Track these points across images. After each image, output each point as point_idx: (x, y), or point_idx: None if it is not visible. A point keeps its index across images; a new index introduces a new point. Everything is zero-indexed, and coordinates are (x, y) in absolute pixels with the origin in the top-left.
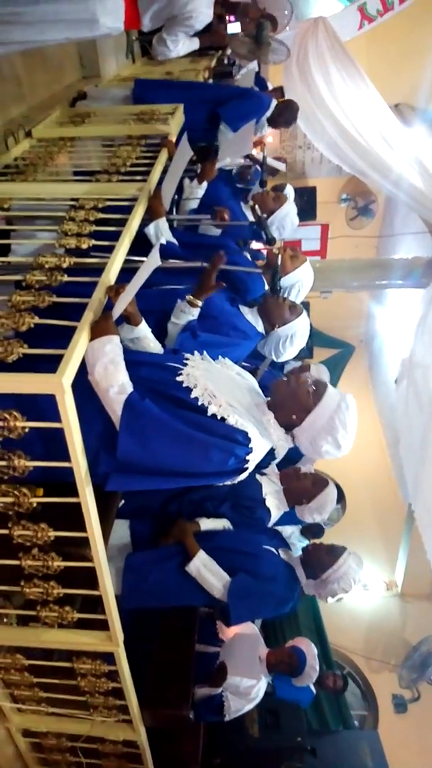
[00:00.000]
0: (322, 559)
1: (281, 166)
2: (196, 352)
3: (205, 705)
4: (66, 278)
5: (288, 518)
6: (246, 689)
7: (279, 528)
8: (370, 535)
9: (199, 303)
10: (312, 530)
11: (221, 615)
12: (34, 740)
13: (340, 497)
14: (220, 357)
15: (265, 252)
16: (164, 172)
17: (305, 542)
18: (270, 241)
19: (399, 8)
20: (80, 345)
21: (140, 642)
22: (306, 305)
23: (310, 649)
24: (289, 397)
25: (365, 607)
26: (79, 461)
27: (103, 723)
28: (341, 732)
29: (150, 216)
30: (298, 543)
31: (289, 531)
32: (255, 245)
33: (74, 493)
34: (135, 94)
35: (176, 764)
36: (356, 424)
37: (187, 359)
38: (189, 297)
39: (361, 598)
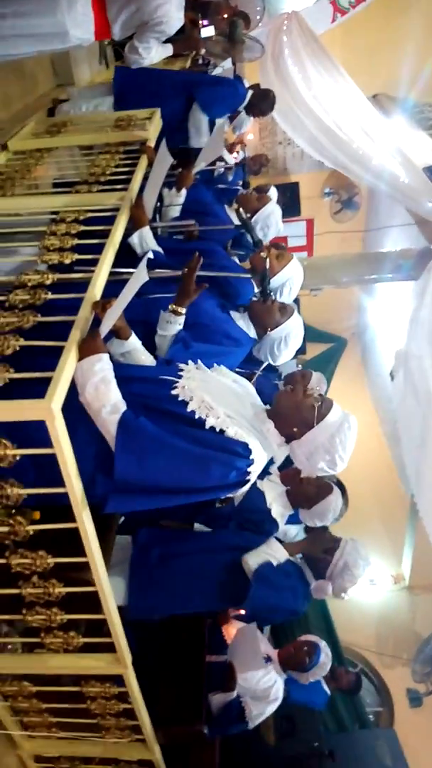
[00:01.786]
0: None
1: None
2: (190, 362)
3: (226, 715)
4: (50, 296)
5: (292, 517)
6: (263, 691)
7: (285, 528)
8: (374, 529)
9: (182, 311)
10: (315, 528)
11: (230, 597)
12: (47, 765)
13: (342, 492)
14: (215, 365)
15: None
16: (145, 179)
17: None
18: (257, 243)
19: None
20: (68, 366)
21: (148, 657)
22: (296, 301)
23: (320, 640)
24: (293, 410)
25: (374, 602)
26: (74, 486)
27: (116, 744)
28: (358, 732)
29: (133, 225)
30: None
31: (294, 531)
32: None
33: (72, 516)
34: (116, 81)
35: None
36: (354, 445)
37: (181, 370)
38: (172, 306)
39: (369, 593)
